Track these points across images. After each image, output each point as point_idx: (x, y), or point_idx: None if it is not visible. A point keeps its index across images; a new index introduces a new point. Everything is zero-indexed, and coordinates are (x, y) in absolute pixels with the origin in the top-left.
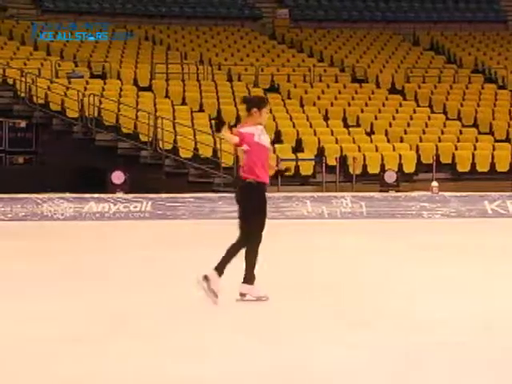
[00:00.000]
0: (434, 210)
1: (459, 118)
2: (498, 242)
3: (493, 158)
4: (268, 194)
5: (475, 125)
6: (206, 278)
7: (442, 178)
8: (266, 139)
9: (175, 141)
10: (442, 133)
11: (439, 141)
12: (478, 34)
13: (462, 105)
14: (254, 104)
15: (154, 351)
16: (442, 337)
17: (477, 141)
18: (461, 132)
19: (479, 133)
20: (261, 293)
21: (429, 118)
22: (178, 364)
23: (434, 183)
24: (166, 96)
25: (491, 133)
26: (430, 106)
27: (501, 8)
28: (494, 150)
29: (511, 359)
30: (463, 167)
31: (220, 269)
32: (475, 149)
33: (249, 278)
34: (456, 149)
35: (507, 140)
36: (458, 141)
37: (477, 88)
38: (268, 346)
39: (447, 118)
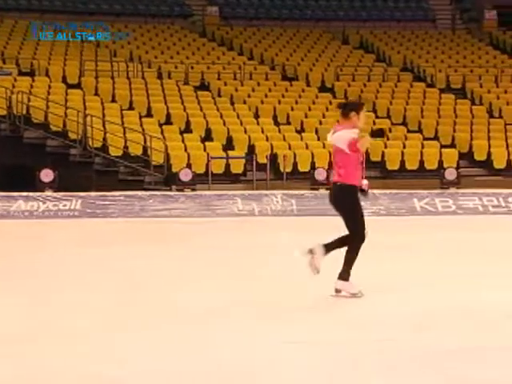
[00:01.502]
0: (365, 209)
1: (388, 117)
2: (426, 240)
3: (422, 155)
4: (198, 193)
5: (404, 123)
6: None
7: (372, 176)
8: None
9: (105, 139)
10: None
11: None
12: (407, 33)
13: (391, 103)
14: (353, 108)
15: (83, 351)
16: (376, 334)
17: (406, 139)
18: (390, 130)
19: (408, 131)
20: (355, 289)
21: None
22: (100, 364)
23: (364, 181)
24: (96, 94)
25: (420, 131)
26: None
27: (429, 7)
28: (422, 147)
29: (438, 356)
30: (392, 165)
31: (328, 249)
32: (404, 147)
33: (344, 275)
34: (385, 147)
35: (436, 138)
36: (388, 139)
37: (406, 86)
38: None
39: (376, 117)
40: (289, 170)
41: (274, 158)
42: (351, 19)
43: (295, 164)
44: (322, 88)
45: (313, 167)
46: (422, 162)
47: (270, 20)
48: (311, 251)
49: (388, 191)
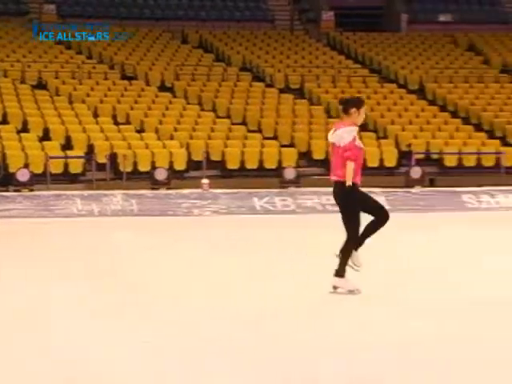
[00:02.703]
0: (205, 207)
1: (228, 116)
2: (266, 237)
3: (261, 155)
4: (36, 193)
5: (244, 122)
6: (334, 288)
7: (213, 175)
8: (359, 141)
9: None
10: (212, 130)
11: (209, 138)
12: (246, 33)
13: (231, 103)
14: (353, 104)
15: None
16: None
17: (246, 138)
18: (230, 129)
19: (248, 130)
20: (352, 286)
21: (199, 116)
22: None
23: (205, 180)
24: None
25: (259, 130)
26: (200, 104)
27: (268, 7)
28: (262, 147)
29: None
30: (233, 164)
31: (341, 271)
32: (244, 146)
33: (341, 272)
34: (225, 146)
35: (275, 137)
36: (228, 138)
37: (245, 86)
38: None
39: (217, 116)
40: (129, 169)
41: (113, 157)
42: (190, 18)
43: (135, 164)
44: (162, 87)
45: (153, 167)
46: (261, 162)
47: (108, 19)
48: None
49: (228, 190)
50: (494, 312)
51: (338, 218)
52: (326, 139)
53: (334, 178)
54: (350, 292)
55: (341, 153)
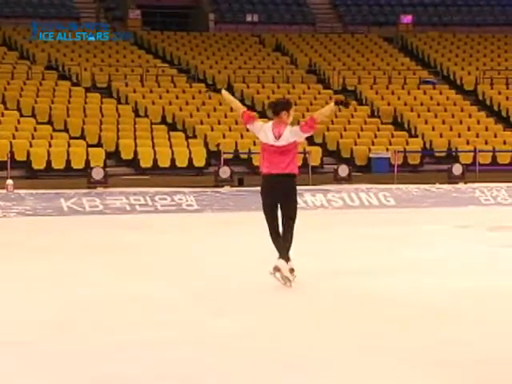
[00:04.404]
0: (10, 209)
1: (33, 115)
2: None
3: (68, 155)
4: None
5: (50, 122)
6: (292, 270)
7: (18, 176)
8: (270, 135)
9: None
10: (17, 130)
11: (13, 138)
12: (51, 31)
13: (36, 101)
14: (283, 107)
15: None
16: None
17: (52, 138)
18: (35, 129)
19: (54, 130)
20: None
21: (2, 115)
22: None
23: (9, 181)
24: None
25: (66, 130)
26: (4, 103)
27: (73, 5)
28: (69, 147)
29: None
30: (39, 164)
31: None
32: (50, 146)
33: (288, 256)
34: (31, 146)
35: (82, 137)
36: (33, 138)
37: (51, 85)
38: None
39: (21, 115)
40: None
41: None
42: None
43: None
44: None
45: None
46: (68, 162)
47: None
48: (276, 268)
49: (34, 191)
50: None
51: (149, 218)
52: (135, 139)
53: (280, 171)
54: (285, 278)
55: (291, 148)
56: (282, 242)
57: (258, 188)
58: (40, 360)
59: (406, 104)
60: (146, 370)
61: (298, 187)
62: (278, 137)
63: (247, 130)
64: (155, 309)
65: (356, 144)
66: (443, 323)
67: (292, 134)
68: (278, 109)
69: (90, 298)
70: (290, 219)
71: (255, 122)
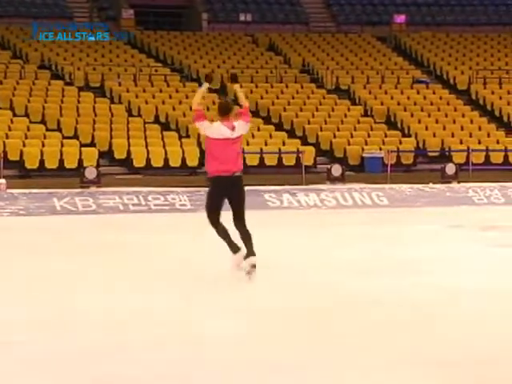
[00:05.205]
0: (3, 208)
1: (27, 115)
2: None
3: (61, 154)
4: None
5: (43, 121)
6: (254, 266)
7: (11, 175)
8: (224, 130)
9: None
10: (10, 129)
11: (6, 137)
12: (45, 30)
13: (29, 101)
14: (232, 110)
15: None
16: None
17: (45, 137)
18: (28, 128)
19: (47, 129)
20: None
21: None
22: None
23: (2, 181)
24: None
25: (59, 129)
26: None
27: (66, 4)
28: (62, 146)
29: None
30: (32, 164)
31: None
32: (43, 145)
33: (254, 252)
34: (24, 145)
35: (75, 137)
36: (26, 137)
37: (44, 84)
38: None
39: (14, 115)
40: None
41: None
42: None
43: None
44: None
45: None
46: (61, 161)
47: None
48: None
49: (27, 191)
50: None
51: (142, 218)
52: (128, 139)
53: (232, 168)
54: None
55: (241, 141)
56: (244, 236)
57: (252, 187)
58: (40, 360)
59: (399, 103)
60: (146, 370)
61: (291, 187)
62: (232, 128)
63: (195, 125)
64: (153, 309)
65: (349, 144)
66: (443, 323)
67: (241, 126)
68: (228, 111)
69: (89, 297)
70: (243, 213)
71: (206, 120)
